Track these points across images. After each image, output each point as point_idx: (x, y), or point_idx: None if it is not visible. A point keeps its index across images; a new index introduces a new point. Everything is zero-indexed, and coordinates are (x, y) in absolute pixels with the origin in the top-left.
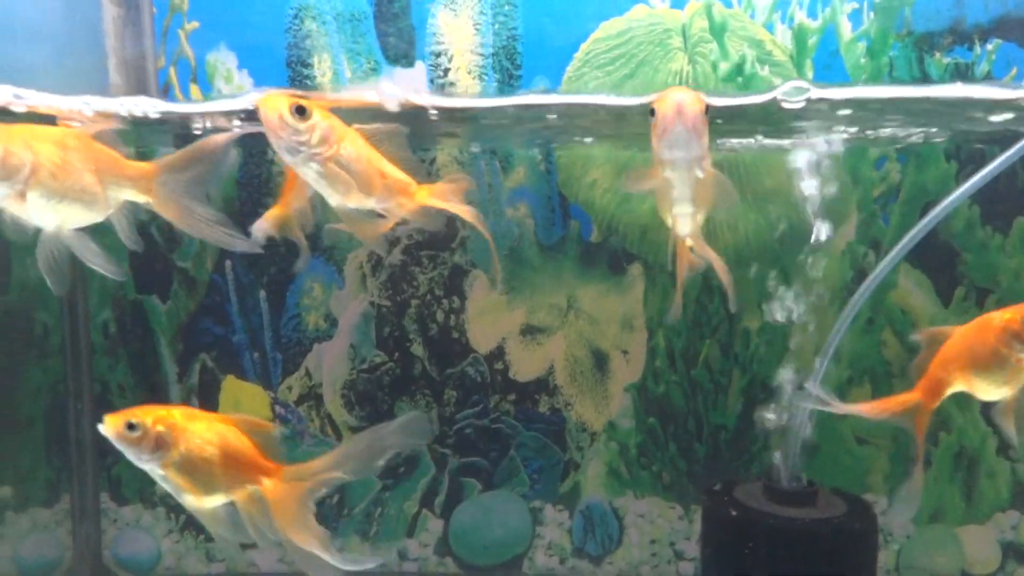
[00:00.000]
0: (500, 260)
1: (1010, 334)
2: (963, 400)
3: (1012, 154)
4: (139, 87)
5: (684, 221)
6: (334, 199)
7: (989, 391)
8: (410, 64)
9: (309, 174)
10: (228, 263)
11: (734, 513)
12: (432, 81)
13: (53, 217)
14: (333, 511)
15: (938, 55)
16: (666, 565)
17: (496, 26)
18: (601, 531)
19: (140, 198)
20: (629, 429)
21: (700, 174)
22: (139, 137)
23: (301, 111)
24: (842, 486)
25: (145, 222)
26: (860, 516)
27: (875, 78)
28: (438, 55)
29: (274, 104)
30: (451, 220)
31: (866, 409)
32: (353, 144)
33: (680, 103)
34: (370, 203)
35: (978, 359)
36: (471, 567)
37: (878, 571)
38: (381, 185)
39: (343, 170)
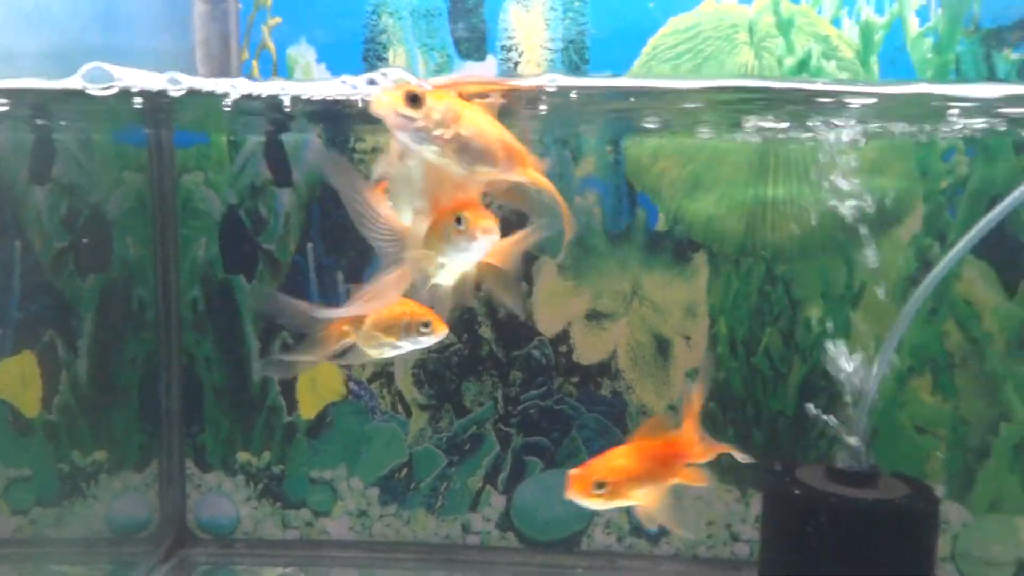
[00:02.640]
0: (569, 246)
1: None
2: None
3: None
4: (222, 76)
5: None
6: (461, 171)
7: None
8: (481, 58)
9: (430, 155)
10: (310, 245)
11: (797, 492)
12: (503, 74)
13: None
14: (401, 484)
15: (1007, 51)
16: (722, 546)
17: (566, 21)
18: None
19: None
20: None
21: None
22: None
23: (414, 99)
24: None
25: (233, 205)
26: (922, 498)
27: (941, 74)
28: (508, 49)
29: (387, 101)
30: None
31: None
32: (473, 118)
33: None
34: (494, 173)
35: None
36: (531, 542)
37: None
38: (503, 155)
39: (467, 144)
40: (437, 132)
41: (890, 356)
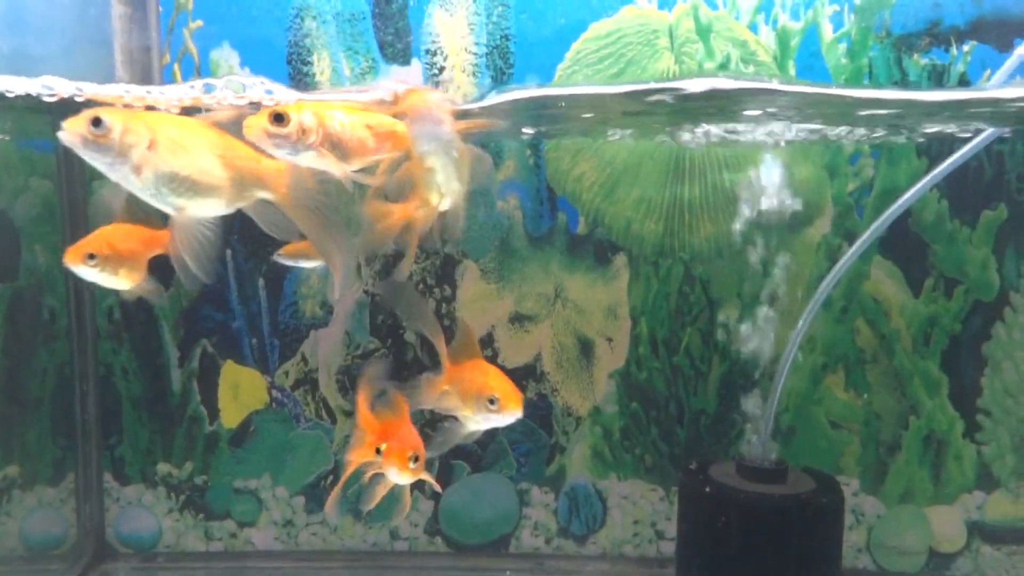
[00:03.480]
0: (492, 251)
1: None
2: (932, 386)
3: (967, 151)
4: (144, 82)
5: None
6: (341, 170)
7: None
8: (406, 62)
9: (312, 161)
10: (228, 252)
11: (708, 489)
12: (428, 78)
13: (174, 201)
14: (327, 492)
15: (916, 56)
16: (648, 544)
17: (490, 26)
18: (585, 512)
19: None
20: (613, 414)
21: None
22: None
23: (278, 117)
24: (816, 467)
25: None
26: (827, 492)
27: (855, 78)
28: (433, 54)
29: (256, 125)
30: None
31: None
32: (335, 117)
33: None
34: (373, 159)
35: None
36: (460, 546)
37: (851, 549)
38: (376, 138)
39: (338, 141)
40: (308, 140)
41: (794, 355)
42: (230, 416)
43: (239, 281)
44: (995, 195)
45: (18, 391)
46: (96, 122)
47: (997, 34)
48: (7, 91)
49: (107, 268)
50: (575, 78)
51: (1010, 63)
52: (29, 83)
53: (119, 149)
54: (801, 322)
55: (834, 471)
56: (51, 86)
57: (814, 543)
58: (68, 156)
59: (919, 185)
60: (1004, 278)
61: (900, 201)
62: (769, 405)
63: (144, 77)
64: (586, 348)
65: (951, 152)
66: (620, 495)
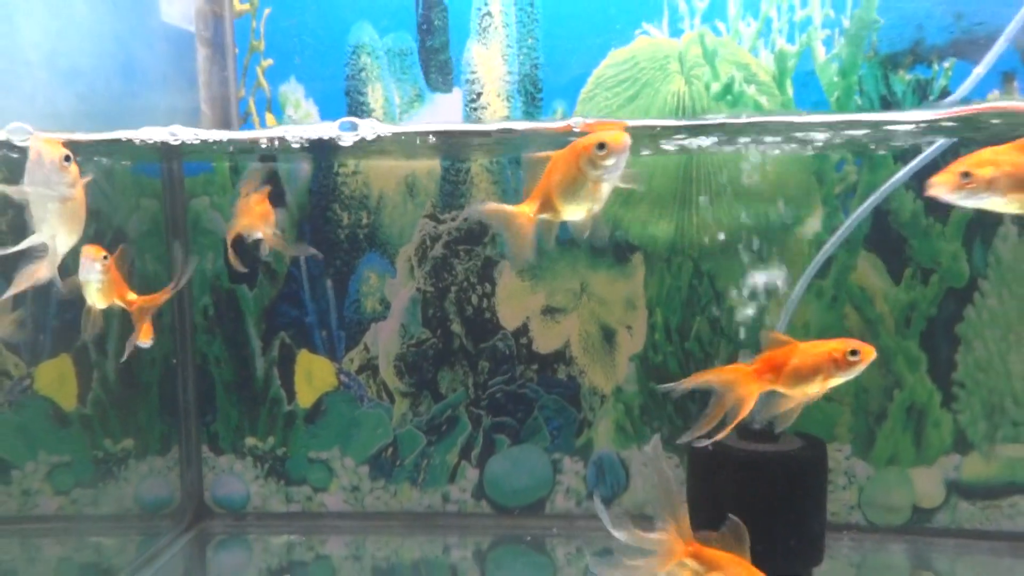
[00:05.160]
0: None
1: (586, 159)
2: (913, 363)
3: (924, 156)
4: (224, 115)
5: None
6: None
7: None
8: (448, 91)
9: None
10: (302, 258)
11: (709, 447)
12: (467, 104)
13: None
14: (388, 462)
15: (901, 73)
16: None
17: (521, 57)
18: (611, 477)
19: None
20: (633, 392)
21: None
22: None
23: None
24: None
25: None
26: (811, 448)
27: (847, 94)
28: (472, 82)
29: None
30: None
31: None
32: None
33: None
34: None
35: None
36: (502, 508)
37: (844, 507)
38: None
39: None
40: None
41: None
42: (305, 397)
43: (311, 283)
44: None
45: (132, 377)
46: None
47: (974, 51)
48: (146, 139)
49: (107, 274)
50: (596, 100)
51: (964, 87)
52: (160, 131)
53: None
54: (789, 303)
55: (829, 438)
56: (175, 133)
57: (799, 491)
58: (171, 179)
59: (885, 186)
60: (973, 267)
61: (867, 201)
62: None
63: (224, 111)
64: (609, 335)
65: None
66: (641, 463)
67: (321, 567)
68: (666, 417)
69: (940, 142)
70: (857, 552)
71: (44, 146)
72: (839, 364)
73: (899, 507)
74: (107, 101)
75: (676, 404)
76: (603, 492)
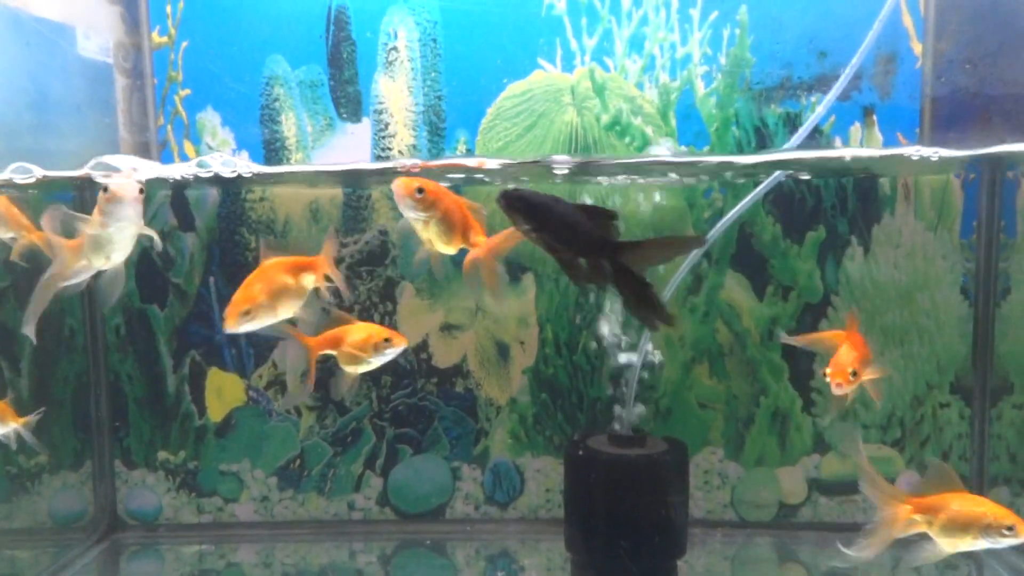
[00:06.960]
0: (424, 276)
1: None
2: (776, 372)
3: (768, 183)
4: (142, 142)
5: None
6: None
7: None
8: (358, 121)
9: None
10: (211, 279)
11: (581, 453)
12: (376, 133)
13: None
14: (296, 473)
15: (773, 106)
16: (558, 508)
17: (425, 89)
18: (506, 483)
19: None
20: (526, 403)
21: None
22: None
23: (420, 190)
24: (688, 440)
25: (147, 247)
26: (674, 452)
27: (724, 126)
28: (380, 113)
29: (404, 186)
30: (383, 242)
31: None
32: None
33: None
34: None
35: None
36: (405, 514)
37: (718, 505)
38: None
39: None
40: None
41: (647, 346)
42: (215, 412)
43: (220, 302)
44: (816, 219)
45: (46, 394)
46: None
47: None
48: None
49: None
50: (496, 130)
51: (801, 131)
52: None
53: None
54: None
55: (703, 443)
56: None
57: (662, 491)
58: (83, 207)
59: (737, 208)
60: (826, 284)
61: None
62: (630, 388)
63: (142, 138)
64: (503, 350)
65: (780, 188)
66: (534, 469)
67: (232, 575)
68: (557, 426)
69: (777, 174)
70: (730, 546)
71: (125, 185)
72: (990, 531)
73: (767, 504)
74: (17, 133)
75: (566, 414)
76: (500, 497)
